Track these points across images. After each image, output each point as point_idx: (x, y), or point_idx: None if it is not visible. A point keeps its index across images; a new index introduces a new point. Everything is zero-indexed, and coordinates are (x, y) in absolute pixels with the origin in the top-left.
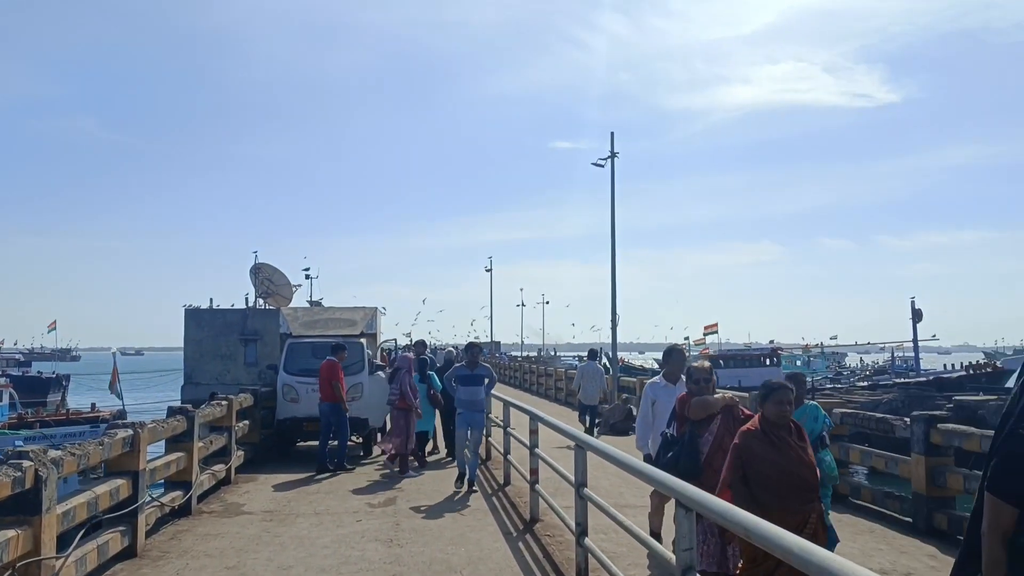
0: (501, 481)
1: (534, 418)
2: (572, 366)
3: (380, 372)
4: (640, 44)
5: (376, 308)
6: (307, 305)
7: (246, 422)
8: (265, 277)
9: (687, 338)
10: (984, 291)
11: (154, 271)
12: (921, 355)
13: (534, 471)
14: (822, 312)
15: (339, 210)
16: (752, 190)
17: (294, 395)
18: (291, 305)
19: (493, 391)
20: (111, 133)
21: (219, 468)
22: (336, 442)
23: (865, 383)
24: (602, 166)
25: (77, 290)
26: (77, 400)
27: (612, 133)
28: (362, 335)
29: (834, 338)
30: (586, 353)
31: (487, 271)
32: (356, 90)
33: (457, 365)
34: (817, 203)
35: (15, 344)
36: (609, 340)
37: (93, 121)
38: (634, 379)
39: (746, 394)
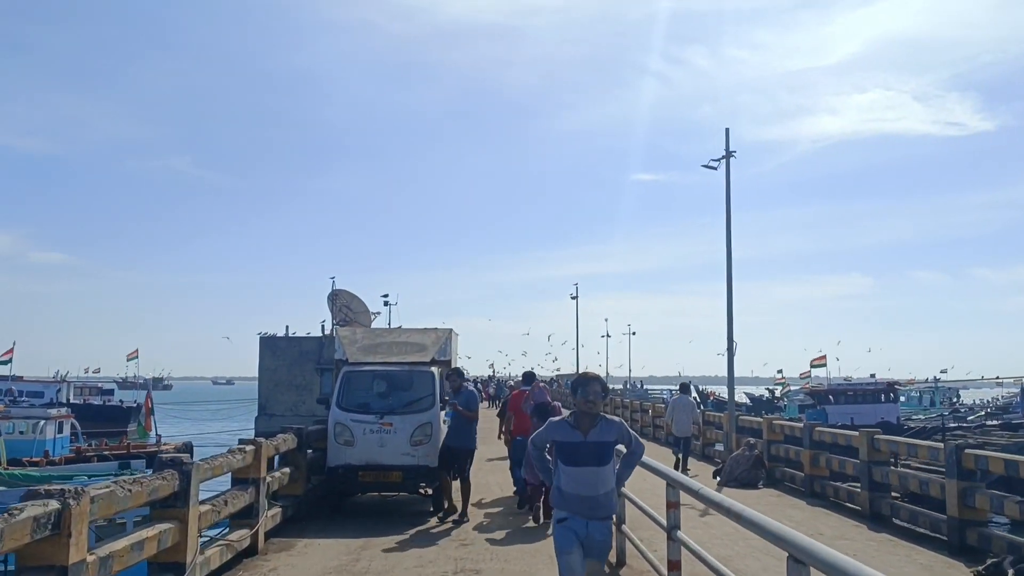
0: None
1: (672, 484)
2: (664, 400)
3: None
4: (721, 76)
5: (450, 330)
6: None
7: (286, 470)
8: (343, 304)
9: (780, 371)
10: None
11: (242, 302)
12: None
13: (675, 565)
14: (917, 346)
15: (417, 245)
16: (840, 221)
17: (348, 436)
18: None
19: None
20: (203, 171)
21: (239, 536)
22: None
23: (994, 421)
24: (715, 168)
25: (169, 322)
26: (164, 429)
27: (727, 129)
28: (433, 362)
29: (944, 372)
30: (677, 386)
31: (572, 298)
32: (433, 126)
33: (555, 420)
34: (908, 235)
35: (97, 371)
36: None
37: (186, 160)
38: (714, 414)
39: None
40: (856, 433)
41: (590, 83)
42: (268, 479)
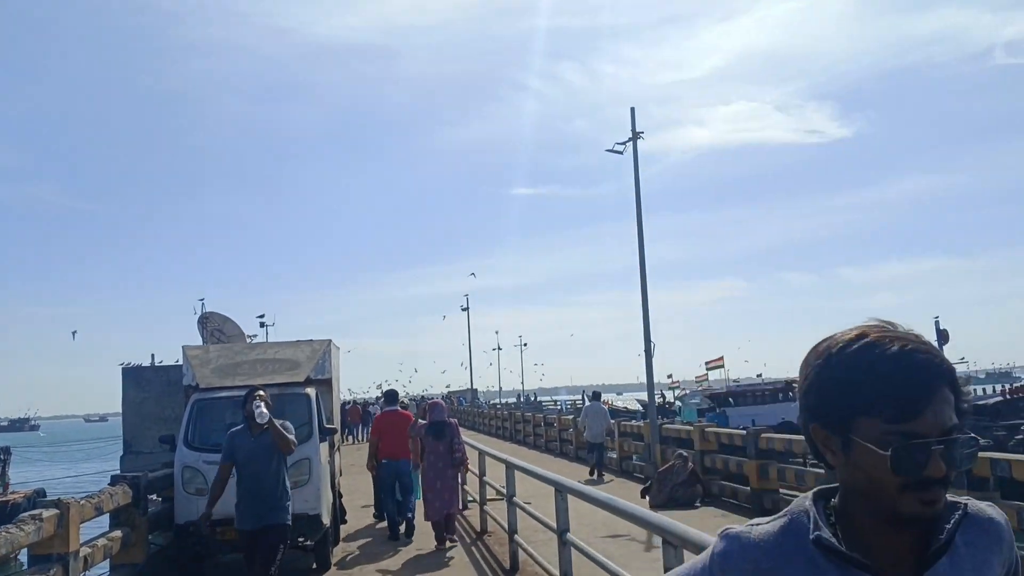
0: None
1: (509, 466)
2: (560, 411)
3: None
4: (593, 91)
5: (329, 342)
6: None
7: (116, 534)
8: (215, 327)
9: (670, 376)
10: (944, 318)
11: (113, 332)
12: None
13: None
14: (792, 345)
15: (298, 266)
16: (713, 229)
17: (201, 483)
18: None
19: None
20: (69, 198)
21: None
22: None
23: None
24: (620, 152)
25: (36, 357)
26: (24, 474)
27: (632, 109)
28: (308, 382)
29: None
30: (580, 396)
31: (463, 310)
32: (312, 146)
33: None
34: (777, 239)
35: None
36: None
37: (51, 187)
38: (630, 423)
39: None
40: None
41: (468, 101)
42: (85, 551)
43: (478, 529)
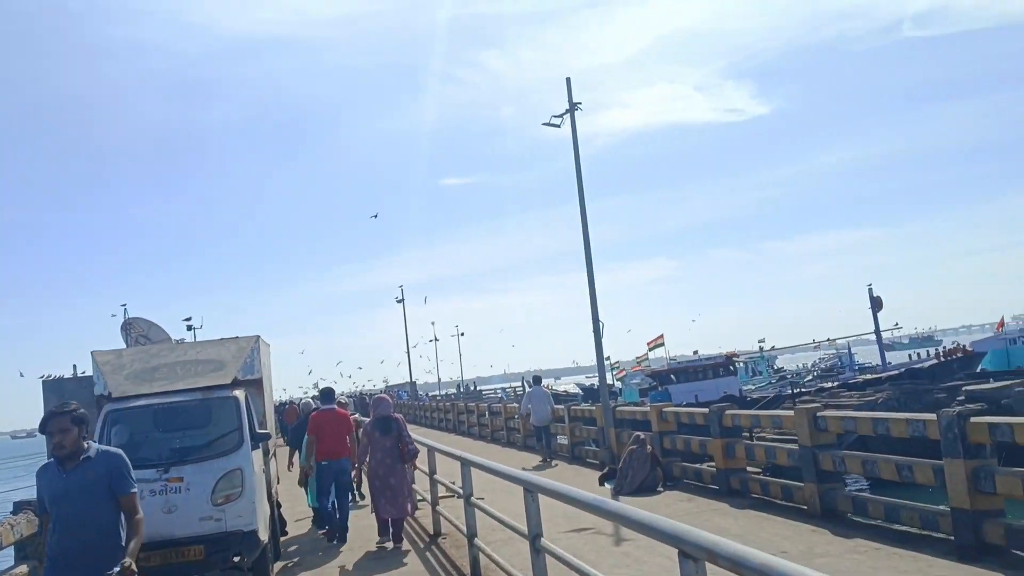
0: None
1: (464, 463)
2: (500, 399)
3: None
4: (518, 78)
5: (257, 338)
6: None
7: (21, 569)
8: (139, 334)
9: (608, 357)
10: (864, 288)
11: (32, 345)
12: (854, 350)
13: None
14: (723, 320)
15: (224, 266)
16: (641, 210)
17: None
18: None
19: None
20: None
21: None
22: None
23: (830, 383)
24: (558, 125)
25: None
26: None
27: (568, 79)
28: (236, 383)
29: (762, 341)
30: (520, 382)
31: (398, 301)
32: (230, 143)
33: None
34: (704, 217)
35: None
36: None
37: None
38: (580, 407)
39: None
40: (790, 413)
41: (390, 92)
42: None
43: (431, 532)
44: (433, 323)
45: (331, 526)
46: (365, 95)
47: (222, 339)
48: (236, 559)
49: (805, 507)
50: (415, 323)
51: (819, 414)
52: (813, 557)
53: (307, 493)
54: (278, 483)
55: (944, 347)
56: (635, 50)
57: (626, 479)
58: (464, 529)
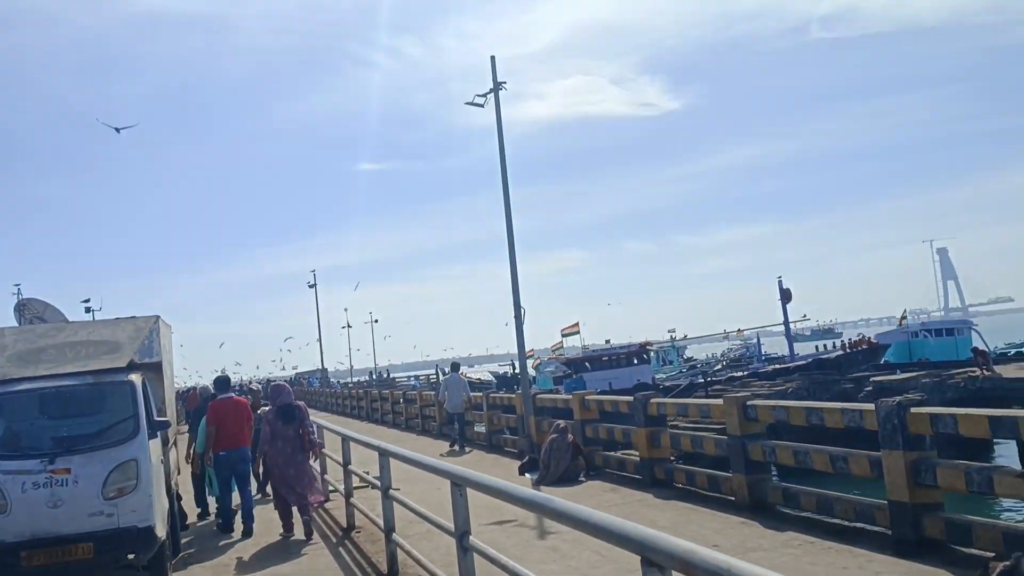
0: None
1: (383, 453)
2: (414, 387)
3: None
4: (434, 65)
5: (157, 318)
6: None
7: None
8: (34, 315)
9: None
10: (770, 281)
11: None
12: (762, 341)
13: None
14: (636, 310)
15: (130, 248)
16: (556, 201)
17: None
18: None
19: None
20: None
21: None
22: None
23: (740, 372)
24: (481, 105)
25: None
26: None
27: (493, 58)
28: (132, 367)
29: (673, 331)
30: (435, 370)
31: (311, 286)
32: (139, 122)
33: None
34: (616, 209)
35: None
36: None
37: None
38: (498, 394)
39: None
40: (718, 401)
41: (307, 74)
42: None
43: (344, 525)
44: (346, 309)
45: (226, 519)
46: (279, 76)
47: (117, 319)
48: (130, 557)
49: (733, 498)
50: (331, 310)
51: (749, 403)
52: (746, 551)
53: (206, 484)
54: (178, 474)
55: (850, 339)
56: (552, 41)
57: (548, 469)
58: (381, 523)
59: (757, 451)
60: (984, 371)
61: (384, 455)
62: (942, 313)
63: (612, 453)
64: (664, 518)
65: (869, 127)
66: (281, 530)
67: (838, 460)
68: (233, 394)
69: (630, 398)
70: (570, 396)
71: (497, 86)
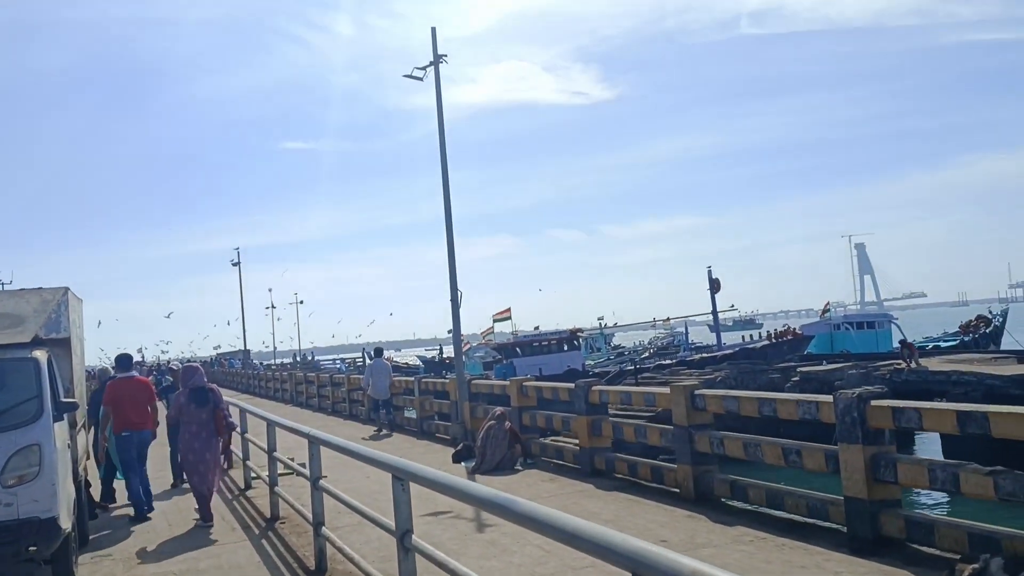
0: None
1: (313, 441)
2: (339, 370)
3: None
4: (365, 44)
5: (65, 290)
6: None
7: None
8: None
9: (449, 331)
10: (695, 272)
11: None
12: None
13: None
14: (563, 298)
15: (40, 222)
16: (487, 186)
17: None
18: None
19: None
20: None
21: None
22: None
23: (668, 360)
24: (420, 78)
25: None
26: None
27: (433, 29)
28: (37, 342)
29: (601, 319)
30: (360, 353)
31: (234, 264)
32: (53, 91)
33: None
34: (547, 196)
35: None
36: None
37: None
38: (430, 378)
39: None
40: (664, 390)
41: (230, 48)
42: None
43: (268, 515)
44: (271, 289)
45: (139, 503)
46: (203, 49)
47: (21, 290)
48: (31, 550)
49: (677, 490)
50: (255, 291)
51: (697, 392)
52: (696, 547)
53: (101, 467)
54: (87, 459)
55: (775, 329)
56: (485, 26)
57: (484, 457)
58: (309, 516)
59: (704, 442)
60: (910, 363)
61: (315, 443)
62: (858, 307)
63: (550, 441)
64: (607, 510)
65: (795, 122)
66: (196, 517)
67: (791, 453)
68: (135, 373)
69: (571, 385)
70: (507, 382)
71: (437, 59)
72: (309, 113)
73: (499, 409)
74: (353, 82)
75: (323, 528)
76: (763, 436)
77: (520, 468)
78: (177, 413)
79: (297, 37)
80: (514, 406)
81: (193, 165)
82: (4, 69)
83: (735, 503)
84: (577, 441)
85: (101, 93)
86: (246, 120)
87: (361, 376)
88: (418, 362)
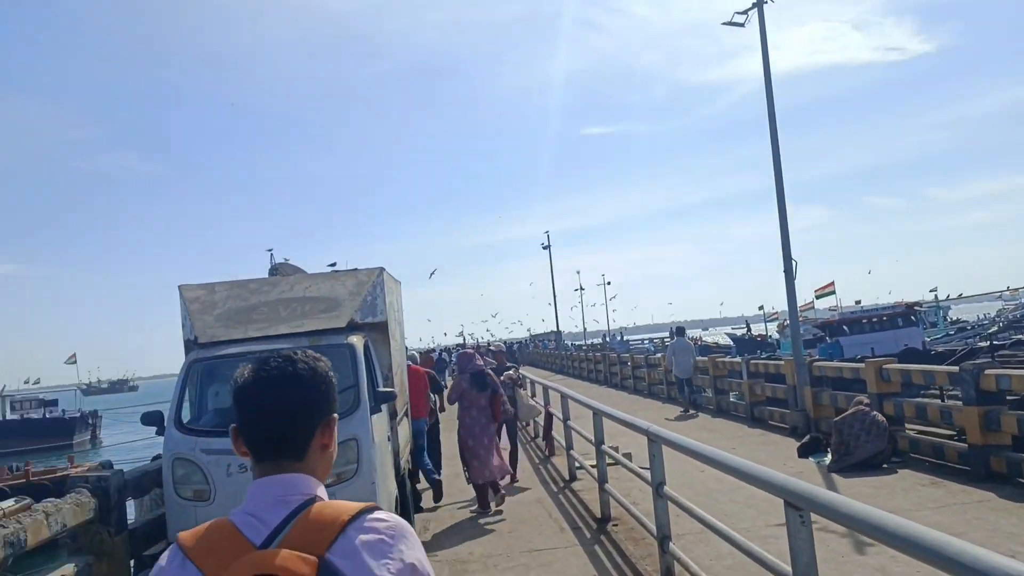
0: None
1: (654, 439)
2: (649, 351)
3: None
4: (661, 22)
5: (380, 271)
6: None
7: (67, 569)
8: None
9: (761, 307)
10: None
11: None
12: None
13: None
14: (884, 270)
15: (367, 216)
16: (794, 155)
17: (201, 483)
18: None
19: None
20: (149, 164)
21: None
22: None
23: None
24: (742, 25)
25: (132, 323)
26: (116, 437)
27: None
28: (353, 326)
29: (934, 291)
30: (668, 332)
31: (544, 248)
32: (382, 97)
33: None
34: (861, 163)
35: (38, 382)
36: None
37: (134, 155)
38: (764, 360)
39: None
40: None
41: (531, 40)
42: None
43: (598, 516)
44: (579, 272)
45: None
46: (506, 45)
47: (335, 271)
48: None
49: None
50: (558, 275)
51: None
52: None
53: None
54: (410, 452)
55: None
56: None
57: (845, 451)
58: (646, 522)
59: None
60: None
61: (655, 441)
62: None
63: (926, 436)
64: None
65: None
66: (474, 508)
67: None
68: (409, 363)
69: (953, 368)
70: (862, 364)
71: (761, 2)
72: (608, 96)
73: (864, 397)
74: (649, 62)
75: (670, 544)
76: None
77: (887, 467)
78: (458, 397)
79: (594, 22)
80: (872, 392)
81: (505, 156)
82: (334, 80)
83: None
84: (965, 437)
85: (412, 95)
86: (550, 108)
87: (657, 356)
88: (728, 340)
